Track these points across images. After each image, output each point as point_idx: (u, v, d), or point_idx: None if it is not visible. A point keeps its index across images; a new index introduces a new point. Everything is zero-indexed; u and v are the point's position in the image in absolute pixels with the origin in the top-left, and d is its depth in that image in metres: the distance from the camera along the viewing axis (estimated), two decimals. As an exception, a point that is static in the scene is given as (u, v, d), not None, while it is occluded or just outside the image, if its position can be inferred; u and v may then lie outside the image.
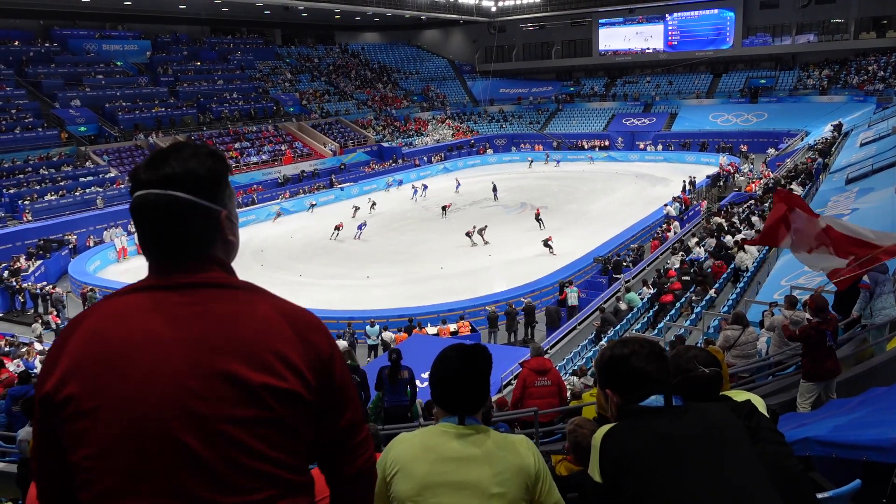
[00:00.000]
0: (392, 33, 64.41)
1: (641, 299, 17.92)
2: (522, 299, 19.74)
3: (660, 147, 48.56)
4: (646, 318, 16.89)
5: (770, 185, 28.22)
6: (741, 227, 20.95)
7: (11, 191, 29.12)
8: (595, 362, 2.03)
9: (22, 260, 24.86)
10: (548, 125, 55.09)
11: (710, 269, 17.48)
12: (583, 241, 26.60)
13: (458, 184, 39.33)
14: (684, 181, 34.58)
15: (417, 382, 8.44)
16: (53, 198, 29.65)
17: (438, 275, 24.02)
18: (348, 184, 40.59)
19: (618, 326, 15.85)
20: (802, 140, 40.44)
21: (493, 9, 59.40)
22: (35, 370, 11.79)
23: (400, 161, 45.96)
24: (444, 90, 60.18)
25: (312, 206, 35.69)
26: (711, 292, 15.70)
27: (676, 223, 27.14)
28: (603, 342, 14.87)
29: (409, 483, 1.78)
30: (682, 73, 55.39)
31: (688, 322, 14.38)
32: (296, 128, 45.03)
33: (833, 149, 30.80)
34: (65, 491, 1.28)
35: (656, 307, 16.88)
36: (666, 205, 29.63)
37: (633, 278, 20.62)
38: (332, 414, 1.37)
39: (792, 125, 44.17)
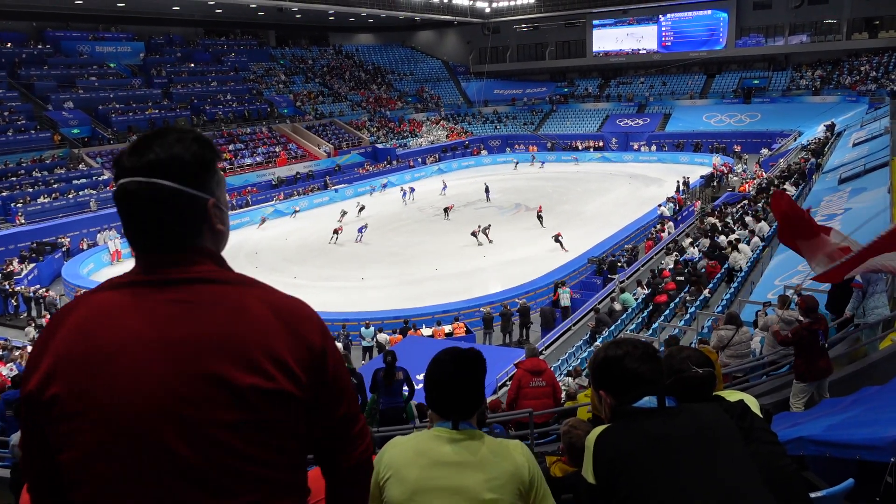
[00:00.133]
0: (386, 34, 64.41)
1: (636, 300, 17.96)
2: (517, 300, 19.76)
3: (654, 147, 48.70)
4: (640, 319, 16.93)
5: (763, 185, 28.32)
6: (735, 227, 21.01)
7: (4, 193, 29.00)
8: (588, 364, 2.03)
9: (15, 263, 24.76)
10: (542, 126, 55.17)
11: (704, 270, 17.52)
12: (577, 241, 26.64)
13: (445, 185, 39.32)
14: (678, 181, 34.69)
15: (414, 383, 8.43)
16: (46, 200, 29.55)
17: (433, 276, 24.03)
18: (343, 185, 40.57)
19: (612, 327, 15.87)
20: (795, 140, 40.57)
21: (487, 10, 59.45)
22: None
23: (394, 162, 45.96)
24: (438, 91, 60.22)
25: (296, 211, 35.30)
26: (706, 292, 15.74)
27: (670, 223, 27.20)
28: (598, 343, 14.90)
29: (401, 488, 1.78)
30: (675, 73, 55.55)
31: (682, 322, 14.41)
32: (290, 129, 44.99)
33: (826, 149, 30.91)
34: (54, 489, 1.25)
35: (651, 307, 16.92)
36: (660, 205, 29.71)
37: (628, 279, 20.66)
38: (326, 408, 1.33)
39: (785, 125, 44.34)
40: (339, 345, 17.12)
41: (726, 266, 17.17)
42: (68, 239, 27.86)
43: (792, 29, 51.24)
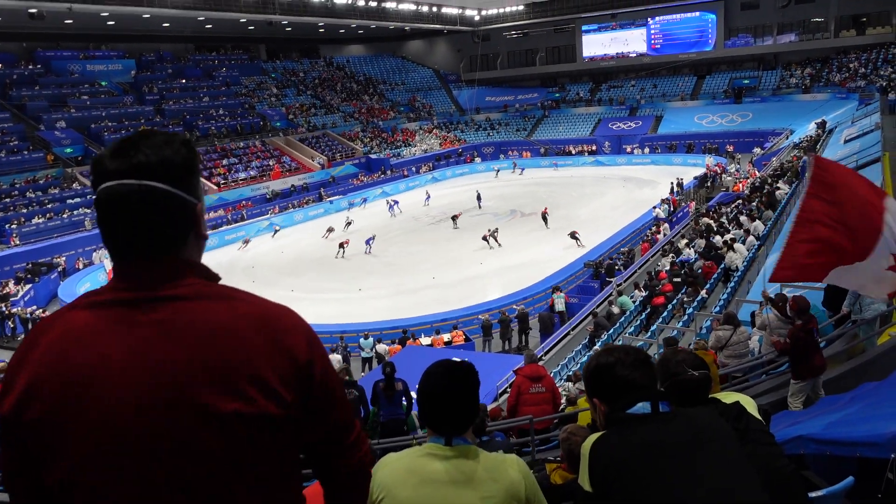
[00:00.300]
0: (376, 45, 64.59)
1: (633, 302, 17.97)
2: (515, 306, 19.75)
3: (646, 150, 48.85)
4: (638, 322, 16.93)
5: (757, 184, 28.39)
6: (730, 227, 21.05)
7: (-2, 215, 28.97)
8: (582, 372, 2.03)
9: (10, 285, 24.68)
10: (534, 132, 55.31)
11: (700, 270, 17.54)
12: (573, 246, 26.70)
13: (428, 196, 39.23)
14: (672, 183, 34.77)
15: (413, 394, 8.41)
16: (41, 221, 29.49)
17: (431, 285, 24.01)
18: (337, 197, 40.56)
19: (611, 330, 15.87)
20: (787, 138, 40.73)
21: (477, 18, 59.67)
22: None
23: (388, 172, 46.00)
24: (430, 100, 60.35)
25: (277, 230, 34.08)
26: (703, 293, 15.75)
27: (666, 225, 27.25)
28: (597, 347, 14.89)
29: None
30: (666, 76, 55.78)
31: (680, 324, 14.41)
32: (283, 142, 45.03)
33: (818, 146, 31.01)
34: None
35: (648, 310, 16.93)
36: (654, 207, 29.76)
37: (625, 282, 20.68)
38: (318, 419, 1.30)
39: (777, 124, 44.51)
40: (338, 356, 17.07)
41: (722, 266, 17.20)
42: (64, 258, 27.79)
43: (780, 28, 51.52)
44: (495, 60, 62.22)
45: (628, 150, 49.66)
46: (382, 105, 56.98)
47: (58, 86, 39.85)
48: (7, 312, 22.56)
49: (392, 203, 36.98)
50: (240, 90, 48.69)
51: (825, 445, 3.95)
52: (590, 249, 25.59)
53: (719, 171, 36.95)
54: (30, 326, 22.00)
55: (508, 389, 11.72)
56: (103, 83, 42.40)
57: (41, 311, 22.89)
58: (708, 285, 16.38)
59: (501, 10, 58.95)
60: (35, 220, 29.38)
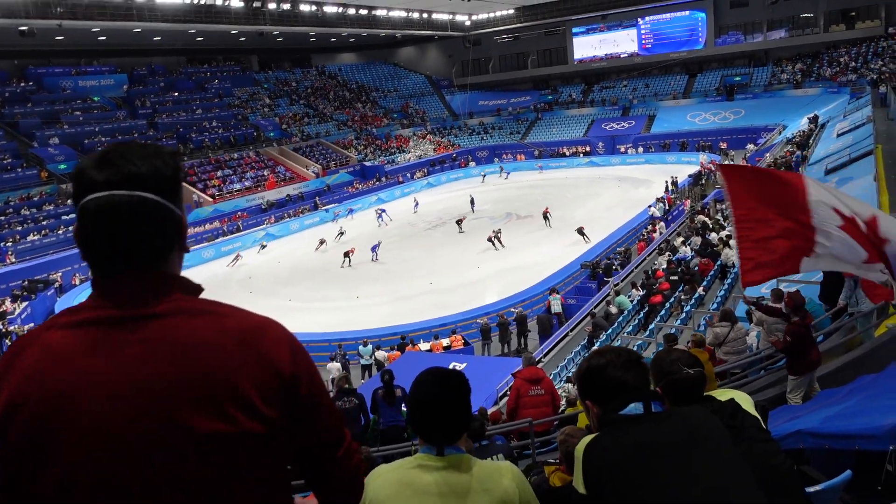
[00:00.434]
0: (368, 53, 64.68)
1: (631, 302, 17.97)
2: (513, 309, 19.76)
3: (640, 149, 48.94)
4: (636, 321, 16.94)
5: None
6: (725, 224, 21.07)
7: (-7, 233, 28.93)
8: (574, 375, 2.02)
9: (7, 303, 24.61)
10: (528, 134, 55.39)
11: (697, 268, 17.56)
12: (569, 247, 26.74)
13: (416, 203, 39.20)
14: (666, 182, 34.84)
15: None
16: (36, 237, 29.43)
17: (428, 290, 24.00)
18: (333, 205, 40.55)
19: (609, 330, 15.87)
20: (780, 134, 40.83)
21: (468, 23, 59.77)
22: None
23: (383, 179, 46.03)
24: (423, 106, 60.43)
25: (263, 246, 33.08)
26: (700, 290, 15.76)
27: (661, 224, 27.28)
28: (596, 347, 14.88)
29: None
30: (657, 75, 55.94)
31: (678, 322, 14.41)
32: (277, 152, 45.03)
33: (811, 141, 31.11)
34: None
35: (646, 309, 16.94)
36: (650, 206, 29.82)
37: (622, 281, 20.68)
38: (305, 433, 1.28)
39: (769, 120, 44.64)
40: (338, 364, 17.04)
41: (719, 263, 17.22)
42: (60, 275, 27.73)
43: (770, 25, 51.73)
44: (487, 65, 62.34)
45: (622, 150, 49.76)
46: (376, 112, 57.04)
47: (50, 102, 39.85)
48: (4, 330, 22.49)
49: (380, 212, 36.68)
50: (232, 101, 48.71)
51: (823, 439, 3.96)
52: (586, 250, 25.63)
53: (713, 169, 36.98)
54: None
55: (508, 393, 11.71)
56: (96, 98, 42.40)
57: (39, 328, 22.78)
58: (705, 282, 16.40)
59: (492, 15, 59.08)
60: (30, 237, 29.32)
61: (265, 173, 41.85)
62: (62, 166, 35.02)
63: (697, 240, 20.34)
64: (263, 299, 24.97)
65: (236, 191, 39.13)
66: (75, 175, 1.18)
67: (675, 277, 17.43)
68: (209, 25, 41.94)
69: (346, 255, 28.51)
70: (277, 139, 46.27)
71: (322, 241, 31.54)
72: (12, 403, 1.12)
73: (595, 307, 18.79)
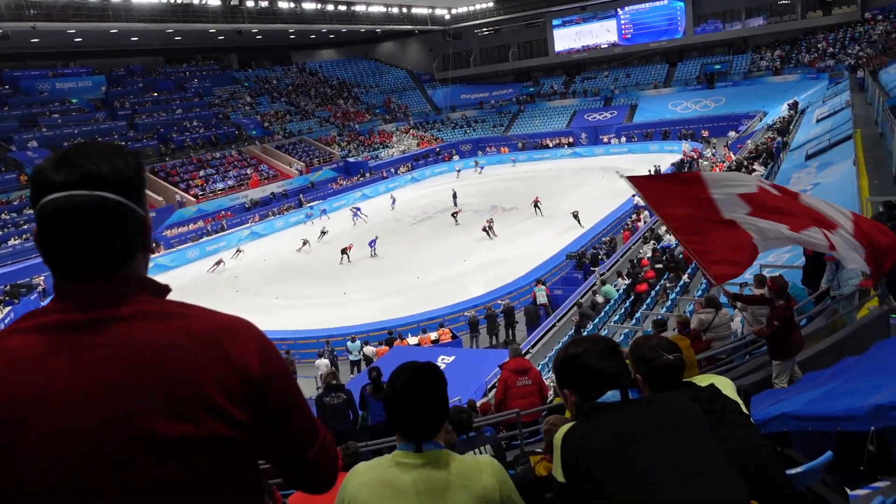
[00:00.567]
0: (348, 49, 64.39)
1: (617, 291, 18.07)
2: (500, 301, 19.80)
3: (623, 139, 49.12)
4: (623, 309, 17.03)
5: (733, 167, 28.61)
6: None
7: (-27, 239, 28.57)
8: (552, 364, 2.02)
9: (-10, 308, 24.36)
10: (511, 127, 55.42)
11: (681, 256, 17.65)
12: (555, 238, 26.83)
13: (394, 200, 39.02)
14: (649, 171, 34.90)
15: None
16: (17, 242, 29.09)
17: (416, 285, 24.00)
18: (317, 202, 40.39)
19: (596, 319, 15.95)
20: (761, 121, 41.12)
21: (447, 16, 59.66)
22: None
23: (367, 175, 45.91)
24: (405, 101, 60.27)
25: (239, 251, 31.58)
26: (685, 278, 15.87)
27: (646, 213, 27.41)
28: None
29: None
30: (638, 65, 56.11)
31: (664, 309, 14.50)
32: (260, 150, 44.77)
33: (791, 127, 31.34)
34: None
35: (632, 297, 17.03)
36: (634, 195, 29.88)
37: (608, 271, 20.78)
38: (278, 434, 1.26)
39: (750, 107, 44.92)
40: (326, 360, 17.02)
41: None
42: (43, 279, 27.38)
43: (748, 12, 51.99)
44: (468, 58, 62.25)
45: (605, 140, 49.91)
46: (358, 108, 56.83)
47: (27, 105, 39.33)
48: (-13, 337, 22.23)
49: (355, 210, 36.32)
50: (213, 101, 48.33)
51: (806, 422, 3.99)
52: (572, 241, 25.71)
53: (696, 157, 37.21)
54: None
55: (497, 384, 11.74)
56: (74, 101, 41.92)
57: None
58: (689, 270, 16.50)
59: (471, 8, 59.00)
60: (11, 242, 28.99)
61: (248, 172, 41.59)
62: (42, 170, 34.55)
63: (681, 228, 20.41)
64: (250, 298, 24.89)
65: (219, 190, 38.85)
66: (33, 176, 1.15)
67: (660, 266, 17.55)
68: (187, 25, 41.55)
69: (344, 251, 28.21)
70: (260, 137, 45.98)
71: (305, 242, 31.10)
72: None
73: (581, 297, 18.88)
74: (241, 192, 39.29)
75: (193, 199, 36.78)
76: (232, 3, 41.43)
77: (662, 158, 39.11)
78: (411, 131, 54.90)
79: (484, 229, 29.07)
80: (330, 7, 49.43)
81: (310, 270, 28.12)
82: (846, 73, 38.81)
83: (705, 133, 44.87)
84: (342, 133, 51.26)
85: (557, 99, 56.81)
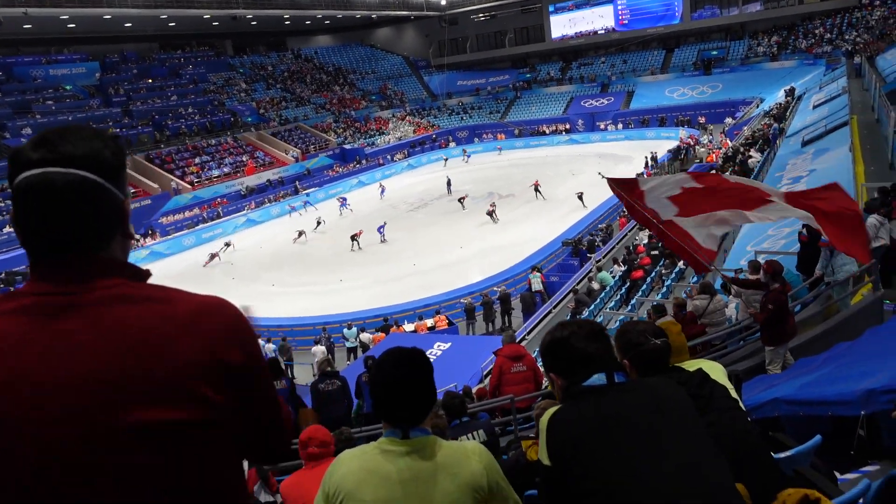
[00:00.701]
0: (344, 35, 64.01)
1: (613, 277, 18.09)
2: (496, 288, 19.82)
3: (620, 126, 49.02)
4: (619, 296, 17.06)
5: (729, 153, 28.60)
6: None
7: (-32, 227, 28.47)
8: (539, 348, 2.01)
9: (-15, 296, 24.29)
10: (508, 113, 55.25)
11: (677, 243, 17.65)
12: (552, 225, 26.81)
13: (383, 189, 38.67)
14: (646, 157, 34.99)
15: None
16: (12, 229, 28.95)
17: (412, 272, 24.00)
18: (313, 189, 40.30)
19: (592, 306, 15.97)
20: (758, 107, 41.06)
21: (443, 2, 59.32)
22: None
23: (364, 162, 45.78)
24: (401, 87, 60.01)
25: (227, 244, 29.74)
26: (679, 264, 15.87)
27: (642, 200, 27.38)
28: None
29: None
30: (635, 51, 55.89)
31: (659, 295, 14.53)
32: (255, 137, 44.59)
33: (788, 113, 31.30)
34: None
35: (628, 284, 17.06)
36: (630, 183, 29.87)
37: (604, 257, 20.80)
38: (250, 415, 1.23)
39: (746, 93, 44.84)
40: (322, 347, 17.06)
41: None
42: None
43: (745, -3, 51.82)
44: (464, 44, 61.95)
45: (602, 126, 49.79)
46: (354, 95, 56.57)
47: (21, 92, 39.08)
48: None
49: (342, 200, 35.82)
50: (208, 87, 48.07)
51: (798, 406, 4.01)
52: (568, 228, 25.71)
53: (692, 143, 37.19)
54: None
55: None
56: (68, 87, 41.66)
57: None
58: (685, 257, 16.50)
59: (468, -7, 58.76)
60: (6, 230, 28.88)
61: (244, 159, 41.45)
62: (36, 157, 34.39)
63: (677, 214, 20.41)
64: (246, 285, 24.89)
65: (215, 177, 38.74)
66: (11, 156, 1.14)
67: (656, 252, 17.55)
68: (181, 10, 41.25)
69: (354, 238, 27.96)
70: (255, 124, 45.79)
71: (301, 233, 30.65)
72: None
73: (577, 284, 18.90)
74: (236, 179, 39.18)
75: (189, 187, 36.68)
76: (226, -12, 41.11)
77: (659, 145, 39.06)
78: (407, 118, 54.71)
79: (488, 213, 29.45)
80: (325, -8, 49.18)
81: (306, 258, 28.10)
82: (843, 59, 38.75)
83: (702, 119, 44.81)
84: (338, 120, 51.06)
85: (554, 85, 56.63)
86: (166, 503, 1.09)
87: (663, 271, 15.98)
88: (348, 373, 10.57)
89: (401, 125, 53.05)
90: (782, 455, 2.43)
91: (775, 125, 28.49)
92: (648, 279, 16.18)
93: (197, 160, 39.43)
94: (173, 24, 45.19)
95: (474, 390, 9.90)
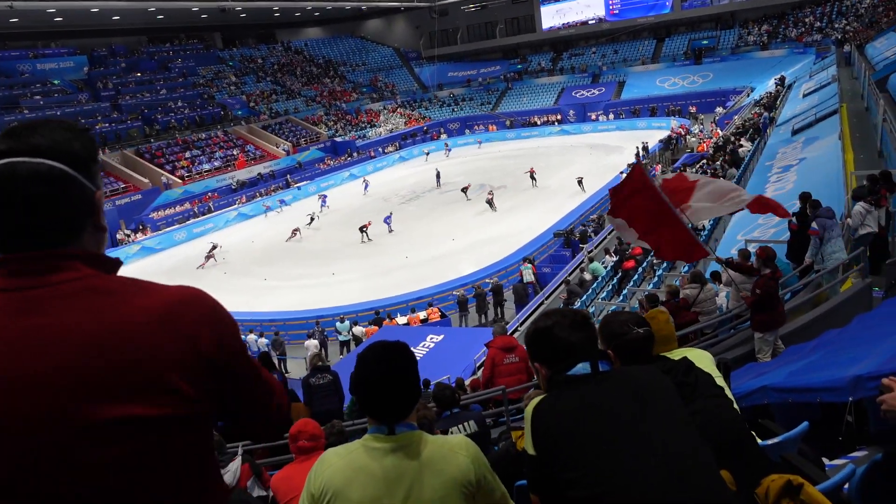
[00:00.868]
0: (334, 26, 63.70)
1: (605, 268, 18.13)
2: (488, 280, 19.83)
3: (611, 116, 49.01)
4: (611, 286, 17.10)
5: (720, 143, 28.66)
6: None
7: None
8: (524, 338, 2.01)
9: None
10: (499, 104, 55.16)
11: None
12: (544, 215, 26.82)
13: (367, 185, 38.23)
14: (637, 147, 35.03)
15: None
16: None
17: (404, 265, 23.99)
18: (304, 182, 40.17)
19: (584, 297, 16.01)
20: (748, 96, 41.14)
21: (434, -7, 59.12)
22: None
23: (355, 154, 45.66)
24: (392, 79, 59.81)
25: (214, 246, 28.27)
26: (671, 254, 15.91)
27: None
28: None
29: None
30: (626, 41, 55.85)
31: (650, 286, 14.59)
32: (246, 131, 44.39)
33: (778, 102, 31.37)
34: None
35: (620, 274, 17.10)
36: (622, 172, 29.91)
37: (596, 248, 20.83)
38: (233, 406, 1.23)
39: (737, 82, 44.91)
40: (315, 341, 17.04)
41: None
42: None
43: (736, -14, 51.84)
44: (455, 35, 61.74)
45: (593, 117, 49.78)
46: (344, 87, 56.35)
47: (8, 87, 38.74)
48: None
49: (322, 198, 35.18)
50: (197, 80, 47.78)
51: (787, 393, 4.03)
52: (560, 218, 25.74)
53: (683, 133, 37.24)
54: None
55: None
56: (56, 82, 41.33)
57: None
58: (676, 246, 16.54)
59: (458, -16, 58.49)
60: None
61: (234, 152, 41.26)
62: (25, 152, 34.13)
63: (668, 204, 20.46)
64: (239, 279, 24.85)
65: (206, 171, 38.56)
66: None
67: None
68: (169, 3, 40.99)
69: (363, 230, 27.78)
70: (245, 117, 45.57)
71: (295, 231, 29.95)
72: None
73: (569, 274, 18.93)
74: (227, 173, 39.00)
75: (179, 181, 36.50)
76: (214, -20, 40.84)
77: (651, 135, 39.09)
78: (398, 110, 54.55)
79: (487, 201, 29.72)
80: (314, -16, 48.88)
81: (298, 251, 28.03)
82: (833, 48, 38.82)
83: (693, 109, 44.85)
84: (329, 112, 50.87)
85: (545, 76, 56.55)
86: (139, 497, 1.08)
87: (654, 261, 16.02)
88: (341, 366, 10.58)
89: (392, 117, 52.90)
90: (770, 442, 2.44)
91: (766, 114, 28.56)
92: (640, 269, 16.24)
93: (187, 154, 39.24)
94: (161, 16, 44.90)
95: (467, 382, 9.93)
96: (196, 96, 45.66)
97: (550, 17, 58.41)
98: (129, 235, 30.58)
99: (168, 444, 1.10)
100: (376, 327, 17.54)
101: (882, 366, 3.43)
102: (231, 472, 3.96)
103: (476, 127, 52.81)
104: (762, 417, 3.49)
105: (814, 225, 8.25)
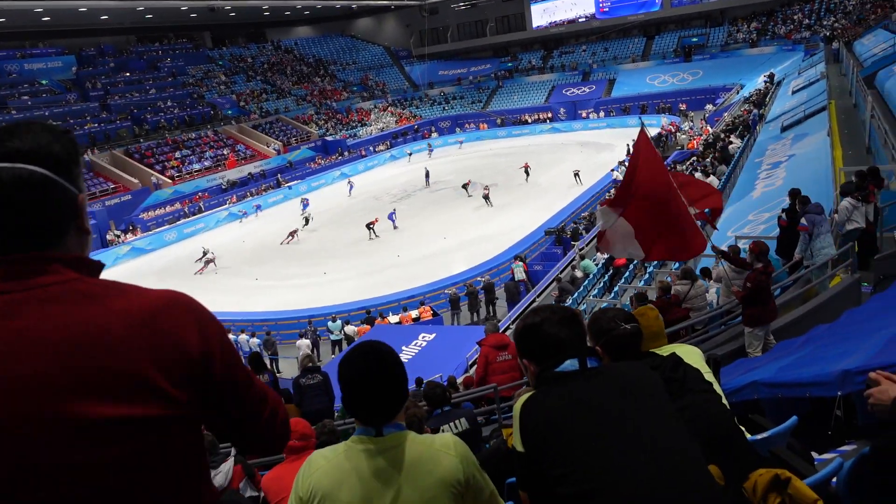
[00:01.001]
0: (324, 25, 63.55)
1: (596, 265, 18.16)
2: (480, 278, 19.85)
3: (601, 114, 49.10)
4: (602, 284, 17.14)
5: (710, 140, 28.77)
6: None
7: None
8: (512, 335, 2.01)
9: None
10: (490, 103, 55.18)
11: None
12: (535, 213, 26.86)
13: (351, 186, 37.99)
14: (628, 145, 34.95)
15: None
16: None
17: (396, 263, 23.97)
18: (295, 182, 40.07)
19: (575, 294, 16.04)
20: (738, 93, 41.29)
21: (424, -9, 59.03)
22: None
23: (346, 153, 45.59)
24: (382, 78, 59.73)
25: (205, 252, 27.08)
26: (662, 251, 15.95)
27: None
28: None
29: None
30: (616, 38, 55.95)
31: (641, 283, 14.63)
32: (236, 130, 44.23)
33: (767, 99, 31.50)
34: None
35: (611, 271, 17.14)
36: (613, 170, 30.05)
37: (587, 245, 20.87)
38: (225, 412, 1.23)
39: (727, 80, 45.06)
40: (307, 341, 17.00)
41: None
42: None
43: (725, -17, 52.00)
44: (445, 33, 61.71)
45: (583, 115, 49.86)
46: (335, 86, 56.23)
47: (-4, 87, 38.54)
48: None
49: (305, 201, 34.71)
50: (187, 80, 47.58)
51: (777, 388, 4.05)
52: (551, 216, 25.77)
53: (674, 130, 37.35)
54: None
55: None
56: (44, 82, 41.06)
57: None
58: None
59: (448, -18, 58.42)
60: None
61: (225, 152, 41.10)
62: (12, 153, 33.89)
63: (659, 201, 20.51)
64: (230, 279, 24.78)
65: (196, 171, 38.40)
66: None
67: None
68: (158, 2, 40.77)
69: (369, 227, 27.66)
70: (235, 117, 45.41)
71: (292, 234, 29.41)
72: None
73: (561, 272, 18.97)
74: (218, 172, 38.86)
75: (169, 181, 36.34)
76: (203, -21, 40.66)
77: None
78: (389, 109, 54.48)
79: (484, 196, 29.92)
80: (304, -17, 48.72)
81: (289, 251, 27.97)
82: (821, 45, 39.01)
83: (683, 106, 45.02)
84: (319, 111, 50.75)
85: (536, 74, 56.61)
86: (139, 497, 1.08)
87: (646, 258, 16.07)
88: (333, 365, 10.57)
89: (383, 116, 52.84)
90: (759, 437, 2.45)
91: (755, 111, 28.68)
92: (631, 266, 16.27)
93: (177, 154, 39.05)
94: (150, 16, 44.67)
95: (460, 380, 9.94)
96: (186, 96, 45.47)
97: (540, 16, 58.45)
98: (119, 236, 30.42)
99: (168, 445, 1.11)
100: (368, 326, 17.53)
101: (870, 360, 3.45)
102: (223, 472, 3.95)
103: (467, 125, 52.79)
104: (752, 412, 3.50)
105: (803, 221, 8.29)
